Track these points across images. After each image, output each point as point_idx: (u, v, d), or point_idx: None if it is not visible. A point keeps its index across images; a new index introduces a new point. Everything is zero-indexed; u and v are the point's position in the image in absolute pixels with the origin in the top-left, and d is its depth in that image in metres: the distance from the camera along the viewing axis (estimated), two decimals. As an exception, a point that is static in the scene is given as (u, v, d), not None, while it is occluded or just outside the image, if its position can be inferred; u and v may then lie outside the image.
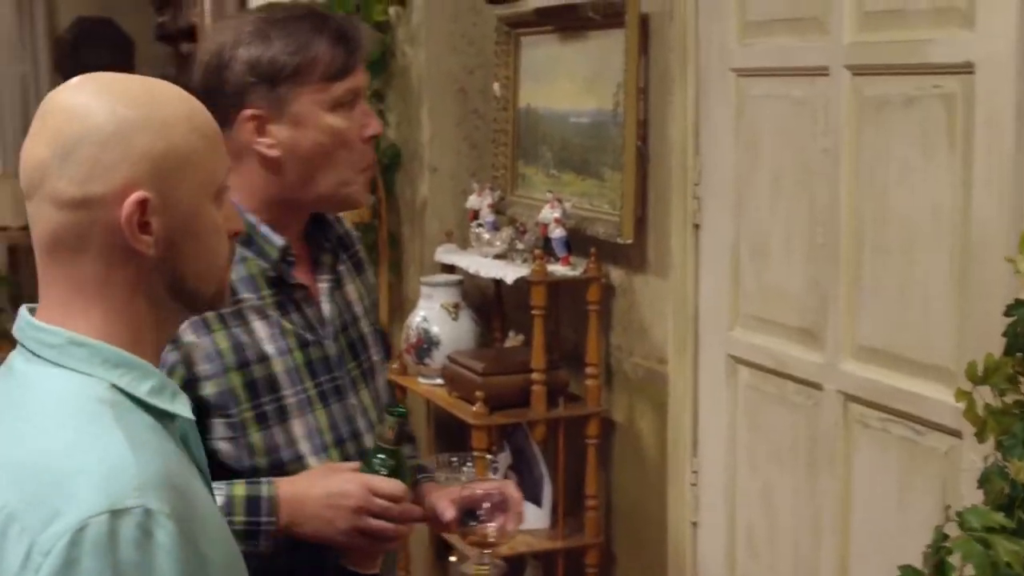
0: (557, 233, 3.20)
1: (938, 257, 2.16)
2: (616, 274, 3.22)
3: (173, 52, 7.63)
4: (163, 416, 1.32)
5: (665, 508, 3.03)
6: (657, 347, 3.06)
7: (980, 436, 1.70)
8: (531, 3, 3.46)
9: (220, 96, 1.86)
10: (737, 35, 2.71)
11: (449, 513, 1.97)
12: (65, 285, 1.31)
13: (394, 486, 1.83)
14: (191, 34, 6.82)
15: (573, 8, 3.24)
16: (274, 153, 1.88)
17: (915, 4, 2.19)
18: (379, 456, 1.85)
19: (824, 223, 2.44)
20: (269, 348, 1.90)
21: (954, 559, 1.63)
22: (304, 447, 1.91)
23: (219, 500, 1.79)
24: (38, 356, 1.30)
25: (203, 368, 1.85)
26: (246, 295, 1.90)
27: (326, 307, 1.99)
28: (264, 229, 1.92)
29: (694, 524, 2.97)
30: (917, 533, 2.01)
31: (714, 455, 2.88)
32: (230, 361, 1.86)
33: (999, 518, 1.55)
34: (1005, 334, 1.68)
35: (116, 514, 1.16)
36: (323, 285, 2.00)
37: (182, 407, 1.35)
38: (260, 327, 1.90)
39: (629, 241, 3.02)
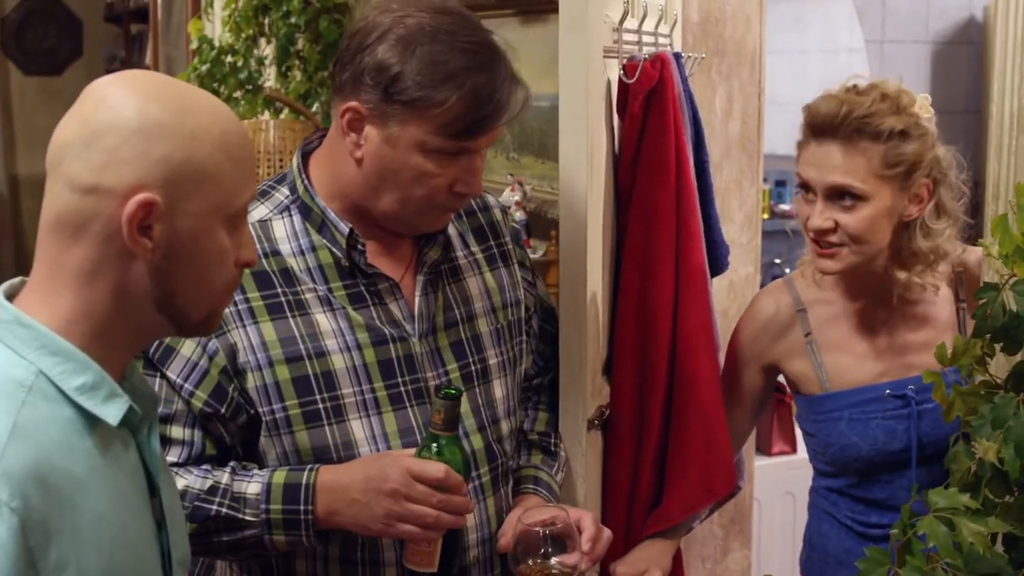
0: (518, 216, 3.19)
1: None
2: (576, 257, 3.21)
3: (122, 33, 7.57)
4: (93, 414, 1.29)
5: None
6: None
7: (947, 415, 1.72)
8: (492, -14, 3.44)
9: (343, 70, 1.77)
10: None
11: (503, 540, 1.85)
12: (51, 266, 1.31)
13: (434, 469, 1.68)
14: (142, 15, 6.75)
15: (535, -9, 3.23)
16: (357, 154, 1.78)
17: None
18: (428, 443, 1.72)
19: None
20: (329, 343, 1.78)
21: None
22: (366, 451, 1.78)
23: (256, 487, 1.73)
24: None
25: (245, 360, 1.75)
26: (309, 285, 1.80)
27: (418, 302, 1.85)
28: (332, 216, 1.81)
29: None
30: None
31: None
32: (276, 354, 1.77)
33: (965, 499, 1.57)
34: (974, 316, 1.70)
35: None
36: (420, 279, 1.87)
37: (112, 411, 1.30)
38: (324, 320, 1.79)
39: (590, 224, 3.02)
